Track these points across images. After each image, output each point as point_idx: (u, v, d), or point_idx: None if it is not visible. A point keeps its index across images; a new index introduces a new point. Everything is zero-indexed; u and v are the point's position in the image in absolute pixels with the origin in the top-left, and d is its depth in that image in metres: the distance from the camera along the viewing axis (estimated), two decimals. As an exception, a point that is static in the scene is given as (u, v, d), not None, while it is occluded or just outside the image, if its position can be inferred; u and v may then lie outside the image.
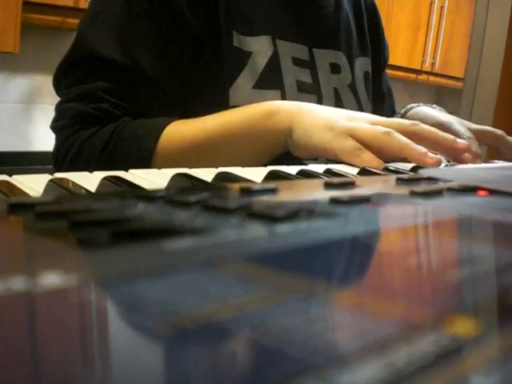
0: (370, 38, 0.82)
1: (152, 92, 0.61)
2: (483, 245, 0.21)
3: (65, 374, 0.09)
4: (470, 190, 0.31)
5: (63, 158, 0.60)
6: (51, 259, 0.15)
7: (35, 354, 0.10)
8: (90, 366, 0.09)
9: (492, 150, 0.75)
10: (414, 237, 0.22)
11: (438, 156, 0.48)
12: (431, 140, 0.51)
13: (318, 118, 0.51)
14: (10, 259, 0.15)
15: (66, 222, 0.18)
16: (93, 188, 0.28)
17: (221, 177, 0.34)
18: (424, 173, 0.41)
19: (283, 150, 0.54)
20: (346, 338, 0.11)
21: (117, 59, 0.59)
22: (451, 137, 0.52)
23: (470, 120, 0.76)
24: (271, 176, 0.36)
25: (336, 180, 0.32)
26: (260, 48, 0.66)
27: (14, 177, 0.30)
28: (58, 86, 0.64)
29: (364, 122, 0.51)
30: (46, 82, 2.08)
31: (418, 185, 0.33)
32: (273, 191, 0.27)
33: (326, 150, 0.50)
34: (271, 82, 0.66)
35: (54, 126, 0.62)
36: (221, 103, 0.62)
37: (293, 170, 0.39)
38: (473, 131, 0.67)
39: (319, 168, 0.42)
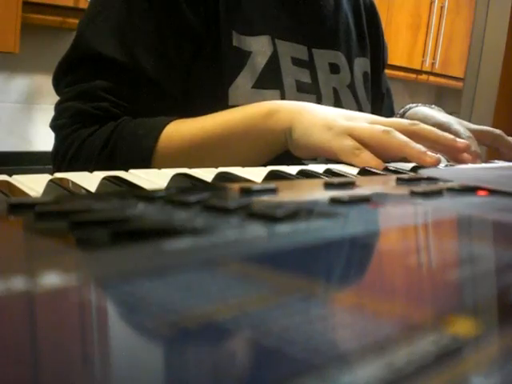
0: (370, 38, 0.82)
1: (152, 91, 0.61)
2: (483, 245, 0.21)
3: (65, 373, 0.09)
4: (469, 189, 0.31)
5: (63, 157, 0.60)
6: (51, 259, 0.15)
7: (35, 354, 0.10)
8: (90, 366, 0.09)
9: (491, 150, 0.75)
10: (413, 237, 0.22)
11: (438, 155, 0.48)
12: (431, 139, 0.51)
13: (318, 118, 0.51)
14: (10, 259, 0.15)
15: (66, 222, 0.18)
16: (93, 188, 0.28)
17: (221, 177, 0.34)
18: (424, 173, 0.41)
19: (283, 149, 0.54)
20: (346, 338, 0.11)
21: (117, 58, 0.59)
22: (451, 136, 0.52)
23: (469, 120, 0.76)
24: (271, 176, 0.36)
25: (336, 180, 0.32)
26: (259, 48, 0.66)
27: (14, 177, 0.30)
28: (57, 85, 0.64)
29: (363, 121, 0.51)
30: (45, 81, 2.08)
31: (418, 185, 0.33)
32: (273, 191, 0.27)
33: (325, 149, 0.50)
34: (271, 81, 0.66)
35: (54, 125, 0.62)
36: (220, 103, 0.62)
37: (293, 169, 0.39)
38: (472, 131, 0.67)
39: (319, 168, 0.42)
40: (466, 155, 0.53)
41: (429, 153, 0.47)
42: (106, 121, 0.59)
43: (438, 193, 0.30)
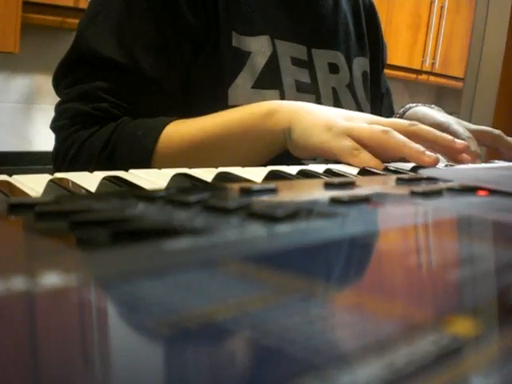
0: (369, 38, 0.82)
1: (151, 92, 0.61)
2: (483, 245, 0.21)
3: (65, 373, 0.09)
4: (469, 189, 0.31)
5: (63, 158, 0.60)
6: (51, 259, 0.15)
7: (35, 354, 0.10)
8: (90, 366, 0.09)
9: (491, 150, 0.75)
10: (413, 237, 0.22)
11: (436, 155, 0.48)
12: (430, 140, 0.51)
13: (317, 118, 0.52)
14: (10, 259, 0.15)
15: (66, 222, 0.18)
16: (93, 188, 0.28)
17: (221, 177, 0.34)
18: (424, 173, 0.41)
19: (282, 149, 0.54)
20: (346, 338, 0.11)
21: (116, 59, 0.59)
22: (449, 137, 0.52)
23: (469, 120, 0.76)
24: (271, 176, 0.36)
25: (336, 180, 0.32)
26: (259, 48, 0.66)
27: (14, 177, 0.30)
28: (57, 86, 0.64)
29: (363, 121, 0.51)
30: (45, 82, 2.08)
31: (418, 185, 0.33)
32: (273, 191, 0.27)
33: (325, 149, 0.50)
34: (270, 81, 0.66)
35: (54, 126, 0.62)
36: (220, 103, 0.62)
37: (293, 169, 0.39)
38: (471, 131, 0.67)
39: (319, 168, 0.42)
40: (464, 155, 0.53)
41: (427, 153, 0.47)
42: (106, 121, 0.59)
43: (438, 193, 0.30)
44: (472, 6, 1.76)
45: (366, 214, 0.24)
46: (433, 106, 0.80)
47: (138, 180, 0.31)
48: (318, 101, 0.70)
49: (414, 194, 0.29)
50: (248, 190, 0.26)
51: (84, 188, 0.28)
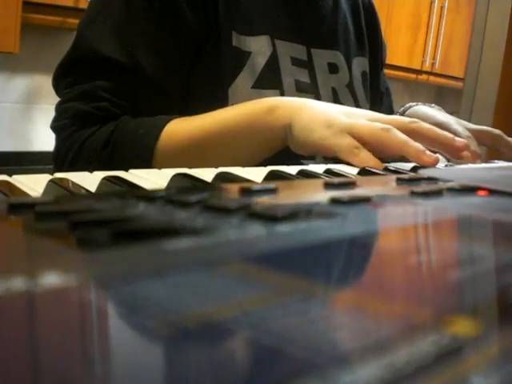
0: (368, 38, 0.82)
1: (152, 91, 0.61)
2: (483, 245, 0.21)
3: (66, 373, 0.09)
4: (469, 189, 0.31)
5: (64, 158, 0.60)
6: (51, 259, 0.15)
7: (35, 354, 0.10)
8: (90, 366, 0.09)
9: (491, 150, 0.75)
10: (414, 237, 0.22)
11: (436, 155, 0.48)
12: (430, 138, 0.51)
13: (318, 114, 0.51)
14: (10, 259, 0.15)
15: (66, 222, 0.18)
16: (93, 188, 0.28)
17: (221, 177, 0.34)
18: (424, 173, 0.41)
19: (283, 145, 0.54)
20: (346, 338, 0.11)
21: (117, 58, 0.59)
22: (450, 135, 0.52)
23: (469, 120, 0.76)
24: (271, 176, 0.36)
25: (336, 180, 0.32)
26: (259, 48, 0.66)
27: (14, 177, 0.30)
28: (57, 86, 0.64)
29: (363, 118, 0.51)
30: (46, 82, 2.08)
31: (418, 185, 0.33)
32: (273, 191, 0.27)
33: (325, 146, 0.50)
34: (270, 81, 0.66)
35: (54, 127, 0.62)
36: (220, 103, 0.62)
37: (293, 170, 0.39)
38: (471, 131, 0.67)
39: (319, 168, 0.42)
40: (465, 153, 0.53)
41: (428, 152, 0.47)
42: (107, 121, 0.59)
43: (437, 193, 0.30)
44: (472, 6, 1.76)
45: (365, 214, 0.24)
46: (433, 105, 0.80)
47: (138, 180, 0.31)
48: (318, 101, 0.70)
49: (414, 194, 0.29)
50: (248, 190, 0.26)
51: (84, 188, 0.28)
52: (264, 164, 0.46)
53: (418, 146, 0.47)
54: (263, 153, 0.55)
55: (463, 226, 0.25)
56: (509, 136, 0.73)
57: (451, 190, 0.31)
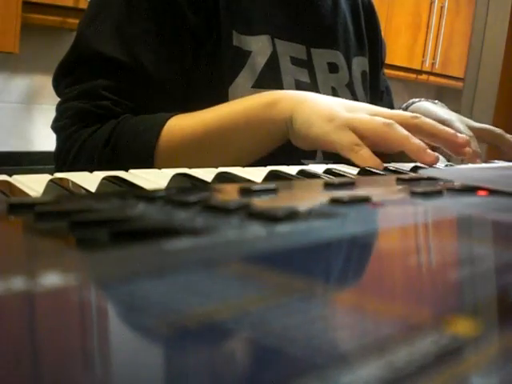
0: (368, 37, 0.82)
1: (152, 90, 0.61)
2: (483, 245, 0.21)
3: (66, 373, 0.09)
4: (469, 189, 0.31)
5: (65, 157, 0.60)
6: (51, 259, 0.15)
7: (35, 354, 0.10)
8: (90, 366, 0.09)
9: (492, 148, 0.75)
10: (413, 237, 0.22)
11: (436, 154, 0.48)
12: (432, 133, 0.51)
13: (320, 108, 0.51)
14: (10, 259, 0.15)
15: (66, 222, 0.18)
16: (93, 188, 0.28)
17: (221, 177, 0.34)
18: (424, 173, 0.41)
19: (284, 139, 0.54)
20: (346, 338, 0.11)
21: (117, 57, 0.59)
22: (452, 131, 0.52)
23: (469, 120, 0.76)
24: (271, 176, 0.36)
25: (336, 180, 0.32)
26: (259, 47, 0.66)
27: (14, 177, 0.30)
28: (57, 86, 0.64)
29: (365, 112, 0.51)
30: (46, 82, 2.08)
31: (418, 185, 0.33)
32: (273, 191, 0.27)
33: (325, 141, 0.50)
34: (270, 81, 0.66)
35: (55, 127, 0.62)
36: (220, 102, 0.62)
37: (293, 170, 0.39)
38: (472, 129, 0.67)
39: (319, 168, 0.42)
40: (467, 149, 0.53)
41: (428, 151, 0.47)
42: (108, 119, 0.59)
43: (438, 193, 0.30)
44: (472, 6, 1.76)
45: (365, 215, 0.24)
46: (436, 101, 0.80)
47: (138, 180, 0.31)
48: None
49: (414, 194, 0.29)
50: (248, 190, 0.26)
51: (84, 188, 0.28)
52: (264, 164, 0.46)
53: (419, 142, 0.47)
54: (265, 146, 0.55)
55: (463, 226, 0.25)
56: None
57: (451, 189, 0.31)
